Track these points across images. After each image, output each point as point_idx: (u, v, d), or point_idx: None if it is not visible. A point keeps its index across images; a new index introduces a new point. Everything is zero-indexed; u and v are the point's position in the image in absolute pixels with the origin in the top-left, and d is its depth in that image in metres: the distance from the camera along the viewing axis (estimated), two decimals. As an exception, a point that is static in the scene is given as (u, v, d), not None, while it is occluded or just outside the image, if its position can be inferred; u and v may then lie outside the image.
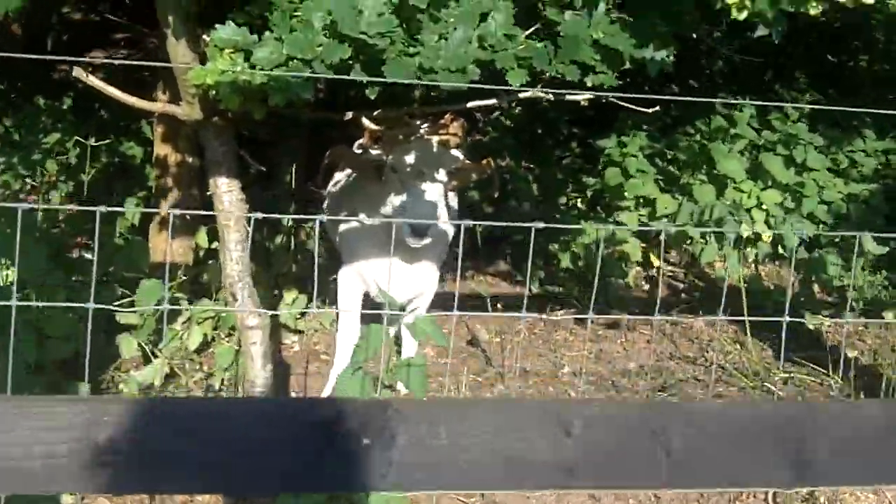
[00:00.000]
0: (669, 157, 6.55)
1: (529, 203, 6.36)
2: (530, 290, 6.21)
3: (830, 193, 6.13)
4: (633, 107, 3.18)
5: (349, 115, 3.22)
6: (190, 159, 5.11)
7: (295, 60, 2.71)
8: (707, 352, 5.32)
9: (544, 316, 5.72)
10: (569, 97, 3.21)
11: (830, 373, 4.73)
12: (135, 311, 4.71)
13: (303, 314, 5.39)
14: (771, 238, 6.34)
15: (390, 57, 2.76)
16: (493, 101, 3.35)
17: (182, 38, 2.86)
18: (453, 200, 4.73)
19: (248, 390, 3.32)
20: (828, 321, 5.88)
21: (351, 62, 2.76)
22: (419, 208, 3.97)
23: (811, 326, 5.82)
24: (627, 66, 3.18)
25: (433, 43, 2.85)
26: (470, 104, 3.36)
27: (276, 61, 2.71)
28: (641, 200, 6.44)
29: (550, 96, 3.19)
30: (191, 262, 5.28)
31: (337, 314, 5.51)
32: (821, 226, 6.11)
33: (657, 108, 3.28)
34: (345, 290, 4.76)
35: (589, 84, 3.10)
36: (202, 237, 5.18)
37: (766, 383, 4.72)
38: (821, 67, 8.16)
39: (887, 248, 6.12)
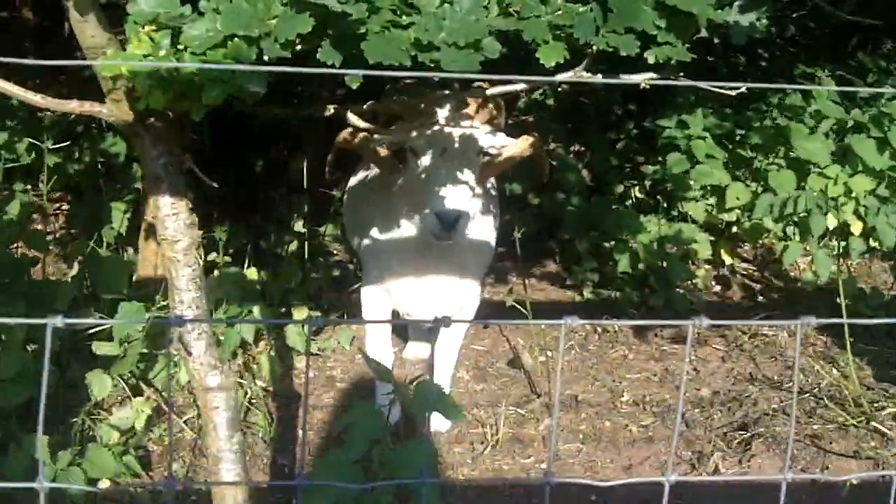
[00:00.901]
0: (739, 138, 5.66)
1: (580, 196, 5.52)
2: (581, 295, 5.40)
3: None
4: (713, 88, 2.35)
5: (331, 109, 2.43)
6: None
7: (237, 39, 1.93)
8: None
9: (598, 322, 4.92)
10: (624, 79, 2.39)
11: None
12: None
13: (316, 333, 4.65)
14: (861, 231, 5.46)
15: (372, 30, 1.97)
16: (517, 88, 2.55)
17: (90, 13, 2.10)
18: (494, 194, 3.97)
19: (211, 469, 2.57)
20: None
21: (317, 39, 1.98)
22: (446, 197, 3.21)
23: (913, 334, 4.99)
24: (703, 33, 2.36)
25: (433, 9, 2.05)
26: (491, 91, 2.56)
27: (211, 41, 1.94)
28: (708, 189, 5.56)
29: (599, 77, 2.38)
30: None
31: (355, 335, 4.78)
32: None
33: (743, 89, 2.45)
34: (369, 309, 4.02)
35: (651, 60, 2.29)
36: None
37: (871, 421, 3.86)
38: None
39: None
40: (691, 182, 5.43)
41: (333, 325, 4.80)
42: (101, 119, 2.90)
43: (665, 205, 5.68)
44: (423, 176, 3.29)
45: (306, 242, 4.81)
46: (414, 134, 3.27)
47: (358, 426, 2.13)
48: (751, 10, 2.23)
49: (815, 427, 3.81)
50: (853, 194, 5.32)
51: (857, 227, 5.47)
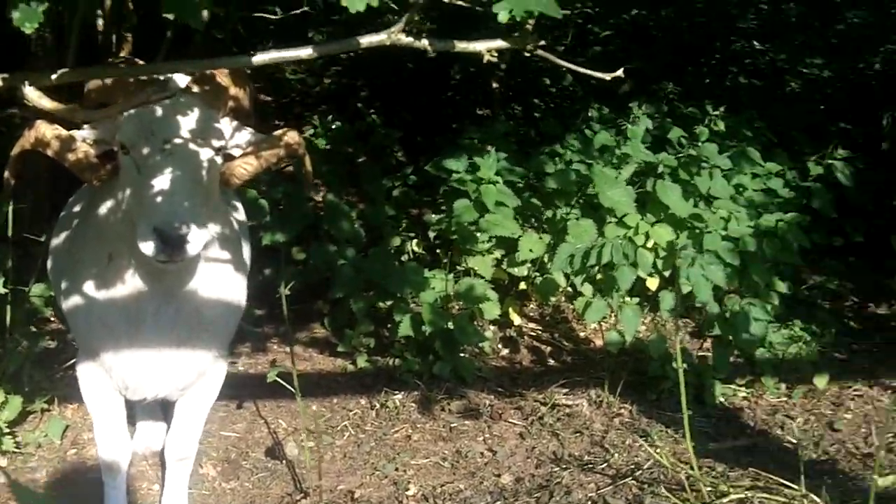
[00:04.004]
0: (532, 184, 5.06)
1: (354, 248, 4.69)
2: (354, 364, 4.56)
3: (738, 228, 4.74)
4: (592, 74, 1.62)
5: (-5, 77, 1.49)
6: None
7: None
8: (606, 449, 3.82)
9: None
10: (461, 47, 1.61)
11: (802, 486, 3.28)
12: None
13: (14, 424, 3.56)
14: (657, 286, 4.94)
15: None
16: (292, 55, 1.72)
17: None
18: (239, 232, 3.08)
19: None
20: (743, 392, 4.53)
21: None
22: (169, 207, 2.30)
23: (721, 400, 4.48)
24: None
25: None
26: (257, 58, 1.71)
27: None
28: (494, 240, 4.86)
29: (424, 43, 1.59)
30: None
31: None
32: (725, 268, 4.67)
33: (620, 74, 1.74)
34: (90, 391, 2.96)
35: (502, 18, 1.53)
36: None
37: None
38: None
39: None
40: (478, 234, 4.74)
41: (42, 413, 3.72)
42: None
43: (443, 259, 4.92)
44: (138, 183, 2.38)
45: (8, 306, 3.73)
46: (124, 123, 2.37)
47: None
48: None
49: (651, 518, 3.13)
50: (653, 244, 4.78)
51: (652, 283, 4.95)
